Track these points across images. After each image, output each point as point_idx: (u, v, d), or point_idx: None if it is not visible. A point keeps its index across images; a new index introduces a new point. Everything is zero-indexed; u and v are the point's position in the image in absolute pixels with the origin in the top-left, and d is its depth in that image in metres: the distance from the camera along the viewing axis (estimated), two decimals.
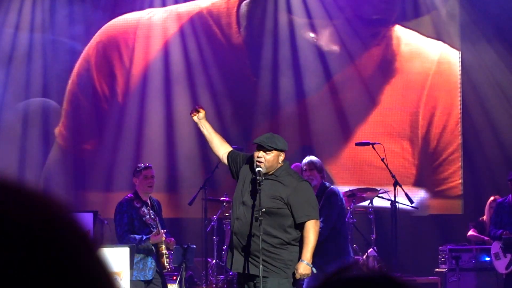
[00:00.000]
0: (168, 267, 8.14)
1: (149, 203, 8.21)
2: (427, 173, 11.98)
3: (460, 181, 12.22)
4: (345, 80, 12.01)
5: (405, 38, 11.93)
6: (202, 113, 6.48)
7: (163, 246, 8.03)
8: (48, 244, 0.88)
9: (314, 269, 6.21)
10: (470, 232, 10.63)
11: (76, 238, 0.91)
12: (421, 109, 11.86)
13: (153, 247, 7.99)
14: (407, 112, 11.89)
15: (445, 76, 12.01)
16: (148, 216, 8.04)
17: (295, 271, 6.14)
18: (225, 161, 6.47)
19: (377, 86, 12.03)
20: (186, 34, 12.36)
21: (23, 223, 0.88)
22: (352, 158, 11.83)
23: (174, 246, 8.17)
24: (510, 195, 9.63)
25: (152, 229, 8.02)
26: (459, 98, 12.02)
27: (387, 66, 12.01)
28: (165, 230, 8.06)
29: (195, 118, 6.52)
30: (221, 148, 6.51)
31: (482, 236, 10.43)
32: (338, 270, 1.10)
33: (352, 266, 1.10)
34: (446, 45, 11.93)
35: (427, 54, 11.94)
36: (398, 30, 11.99)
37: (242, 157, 6.43)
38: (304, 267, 6.11)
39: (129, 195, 8.25)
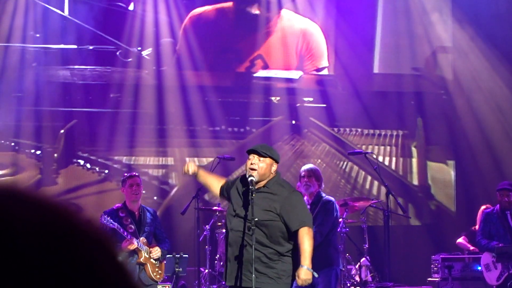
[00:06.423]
0: (156, 277, 8.02)
1: (136, 213, 8.17)
2: None
3: (453, 190, 12.22)
4: None
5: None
6: (191, 169, 6.54)
7: (144, 257, 7.94)
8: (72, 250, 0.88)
9: (315, 274, 6.17)
10: (460, 240, 10.65)
11: (96, 242, 0.91)
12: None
13: (130, 258, 7.92)
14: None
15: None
16: (122, 228, 7.96)
17: (296, 278, 6.13)
18: (221, 196, 6.58)
19: None
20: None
21: (46, 230, 0.87)
22: None
23: (159, 256, 8.06)
24: (498, 205, 9.64)
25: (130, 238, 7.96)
26: None
27: None
28: (140, 238, 7.98)
29: (188, 174, 6.59)
30: (217, 188, 6.59)
31: (469, 245, 10.46)
32: None
33: None
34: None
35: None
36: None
37: (231, 181, 6.54)
38: (305, 272, 6.10)
39: (116, 205, 8.25)
